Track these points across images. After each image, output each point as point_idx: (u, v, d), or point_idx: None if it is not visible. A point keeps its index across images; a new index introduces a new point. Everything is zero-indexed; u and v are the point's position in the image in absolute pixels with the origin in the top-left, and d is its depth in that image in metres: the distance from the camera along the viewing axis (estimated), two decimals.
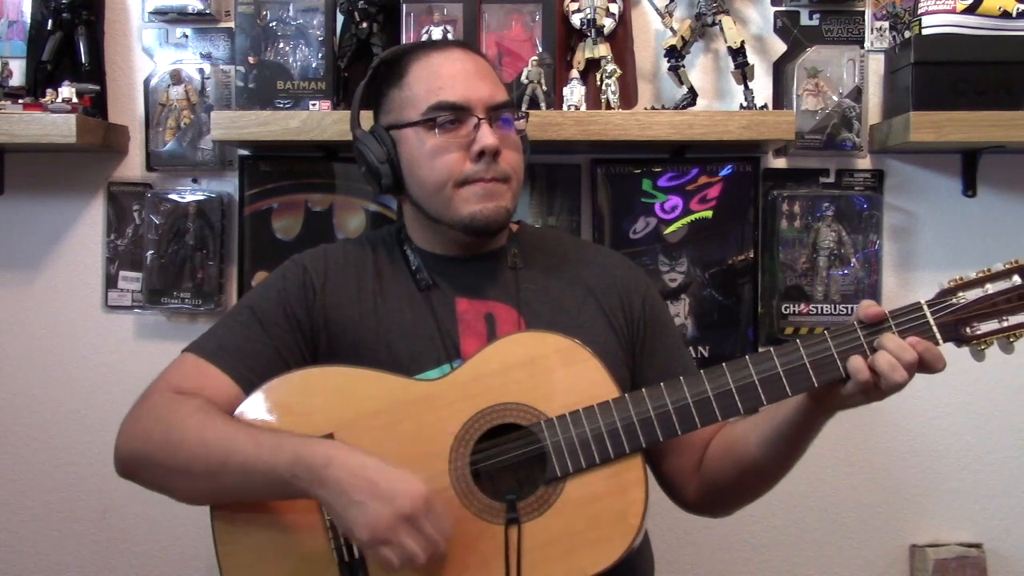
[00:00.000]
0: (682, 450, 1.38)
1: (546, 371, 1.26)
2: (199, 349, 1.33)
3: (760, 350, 1.87)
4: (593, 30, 1.82)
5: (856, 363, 1.17)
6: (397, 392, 1.26)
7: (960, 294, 1.19)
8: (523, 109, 1.53)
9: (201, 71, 1.93)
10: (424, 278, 1.37)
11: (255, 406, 1.27)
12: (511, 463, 1.24)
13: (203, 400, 1.26)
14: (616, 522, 1.22)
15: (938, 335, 1.18)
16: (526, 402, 1.24)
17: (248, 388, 1.28)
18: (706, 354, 1.89)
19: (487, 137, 1.30)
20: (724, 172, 1.90)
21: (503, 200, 1.33)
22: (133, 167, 1.97)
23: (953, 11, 1.76)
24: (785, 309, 1.90)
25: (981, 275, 1.20)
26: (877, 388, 1.17)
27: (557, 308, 1.37)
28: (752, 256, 1.90)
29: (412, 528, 1.12)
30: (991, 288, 1.19)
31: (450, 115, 1.31)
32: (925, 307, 1.19)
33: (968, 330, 1.19)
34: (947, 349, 1.19)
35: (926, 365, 1.16)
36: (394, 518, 1.11)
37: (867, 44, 1.92)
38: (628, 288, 1.42)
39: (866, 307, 1.20)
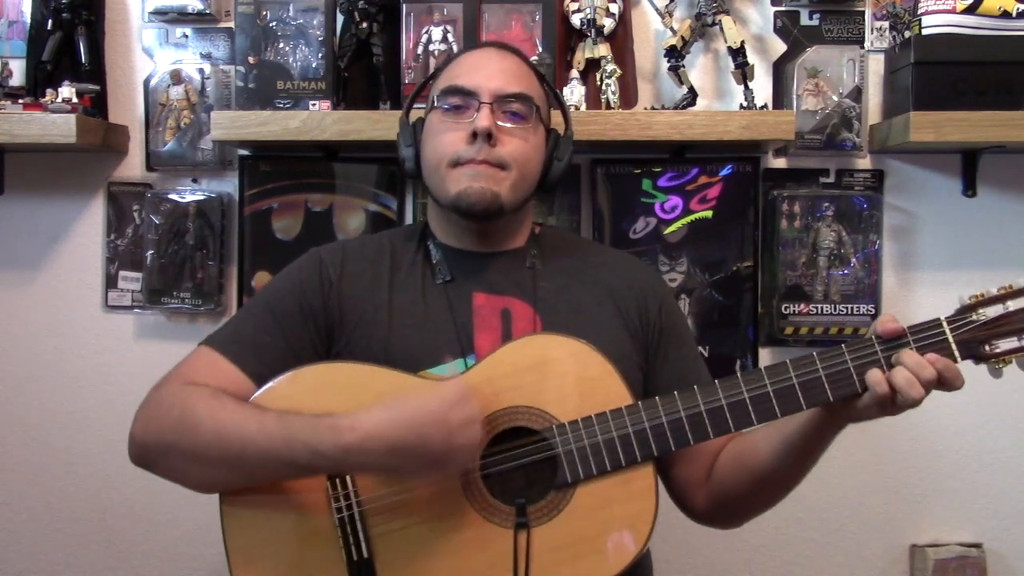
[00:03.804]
0: (692, 459, 1.38)
1: (558, 375, 1.25)
2: (213, 342, 1.34)
3: (762, 349, 1.91)
4: (593, 30, 1.82)
5: (875, 376, 1.16)
6: (409, 391, 1.25)
7: (980, 311, 1.17)
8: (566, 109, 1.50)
9: (201, 71, 1.93)
10: (443, 271, 1.39)
11: (266, 401, 1.26)
12: (521, 465, 1.24)
13: (214, 388, 1.25)
14: (626, 529, 1.22)
15: (957, 352, 1.17)
16: (538, 406, 1.24)
17: (259, 380, 1.28)
18: (706, 354, 1.89)
19: (481, 119, 1.32)
20: (724, 172, 1.90)
21: (495, 184, 1.33)
22: (133, 167, 1.97)
23: (953, 11, 1.76)
24: (785, 309, 1.90)
25: (1002, 292, 1.18)
26: (893, 403, 1.16)
27: (574, 307, 1.38)
28: (752, 256, 1.90)
29: (449, 461, 1.18)
30: (1012, 305, 1.16)
31: (457, 99, 1.35)
32: (945, 324, 1.17)
33: (987, 348, 1.17)
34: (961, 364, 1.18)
35: (944, 383, 1.16)
36: (432, 467, 1.17)
37: (867, 44, 1.92)
38: (646, 293, 1.42)
39: (884, 322, 1.18)
